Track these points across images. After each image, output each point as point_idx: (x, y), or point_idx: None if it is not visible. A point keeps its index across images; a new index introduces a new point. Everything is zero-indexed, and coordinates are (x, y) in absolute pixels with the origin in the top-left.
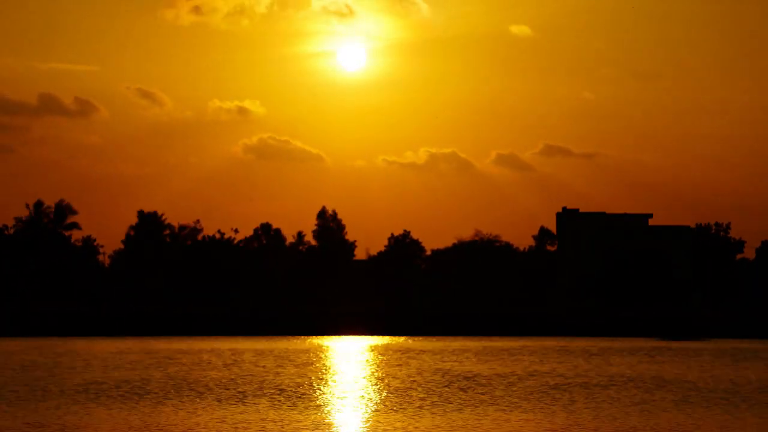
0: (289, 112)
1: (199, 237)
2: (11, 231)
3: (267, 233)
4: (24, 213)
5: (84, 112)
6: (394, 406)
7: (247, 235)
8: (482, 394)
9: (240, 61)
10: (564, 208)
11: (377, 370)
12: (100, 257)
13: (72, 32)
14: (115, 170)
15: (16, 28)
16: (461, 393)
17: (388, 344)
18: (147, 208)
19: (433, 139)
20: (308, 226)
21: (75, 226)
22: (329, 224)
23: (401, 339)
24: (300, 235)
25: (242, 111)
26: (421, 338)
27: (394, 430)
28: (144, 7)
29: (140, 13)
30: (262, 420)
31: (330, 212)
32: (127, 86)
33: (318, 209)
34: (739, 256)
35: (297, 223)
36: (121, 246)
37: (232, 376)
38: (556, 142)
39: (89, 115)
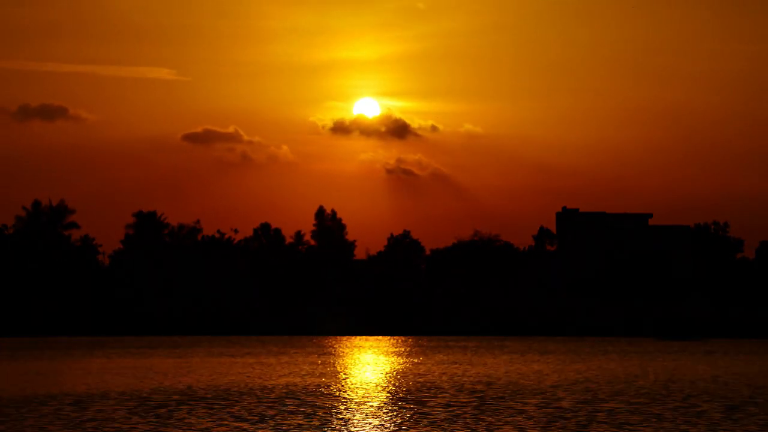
0: None
1: (199, 237)
2: (11, 231)
3: (266, 233)
4: (23, 213)
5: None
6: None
7: (247, 236)
8: None
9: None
10: (564, 208)
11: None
12: (100, 257)
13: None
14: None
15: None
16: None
17: (387, 344)
18: (146, 208)
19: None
20: (308, 226)
21: (74, 225)
22: (328, 224)
23: (400, 339)
24: (299, 235)
25: None
26: (420, 338)
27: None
28: None
29: None
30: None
31: (328, 212)
32: None
33: (315, 209)
34: (738, 256)
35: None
36: (120, 246)
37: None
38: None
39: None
